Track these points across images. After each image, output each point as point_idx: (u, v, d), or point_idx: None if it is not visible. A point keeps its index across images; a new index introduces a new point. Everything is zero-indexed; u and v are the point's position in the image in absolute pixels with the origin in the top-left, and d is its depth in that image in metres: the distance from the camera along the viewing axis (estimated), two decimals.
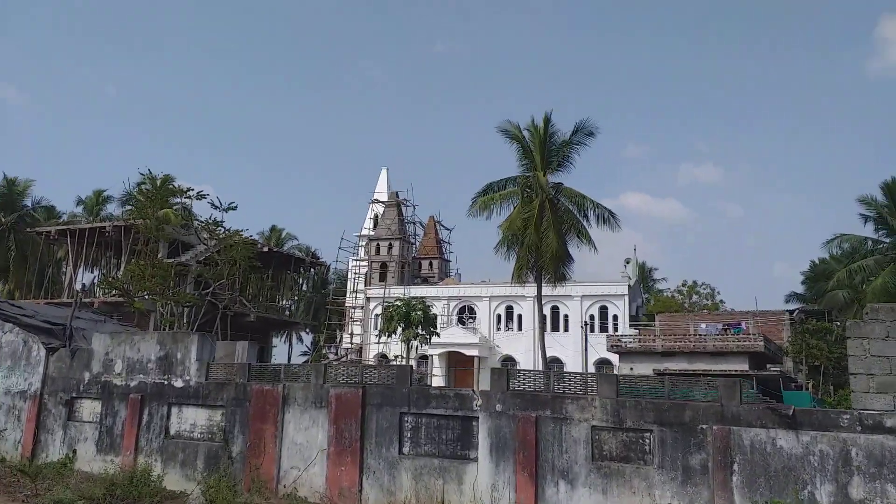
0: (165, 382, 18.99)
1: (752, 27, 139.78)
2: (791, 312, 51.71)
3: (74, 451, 19.67)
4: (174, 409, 18.74)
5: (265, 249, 38.50)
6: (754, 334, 42.64)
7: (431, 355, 53.31)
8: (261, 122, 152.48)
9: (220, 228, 24.54)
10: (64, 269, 44.69)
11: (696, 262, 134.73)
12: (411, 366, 17.08)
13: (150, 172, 24.24)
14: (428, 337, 43.00)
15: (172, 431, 18.58)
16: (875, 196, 45.53)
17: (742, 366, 40.25)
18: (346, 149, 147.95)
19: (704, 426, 12.98)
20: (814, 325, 44.57)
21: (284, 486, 16.52)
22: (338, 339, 67.85)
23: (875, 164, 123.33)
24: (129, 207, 44.73)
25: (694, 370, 37.44)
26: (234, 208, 24.75)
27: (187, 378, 18.75)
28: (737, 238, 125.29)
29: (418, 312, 42.07)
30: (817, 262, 60.21)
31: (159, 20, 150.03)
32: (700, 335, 44.02)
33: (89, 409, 20.20)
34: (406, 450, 15.56)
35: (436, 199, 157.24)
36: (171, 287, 24.35)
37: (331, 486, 15.95)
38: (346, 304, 65.37)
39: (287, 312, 48.82)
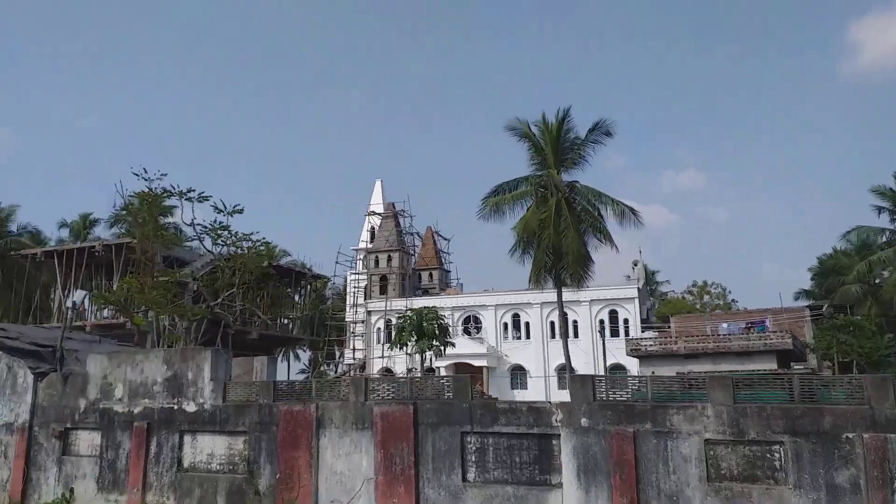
0: (175, 407, 16.50)
1: (726, 33, 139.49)
2: (811, 308, 49.91)
3: (72, 490, 17.19)
4: (187, 438, 16.27)
5: (265, 263, 36.00)
6: (781, 332, 40.80)
7: (439, 367, 51.10)
8: (249, 141, 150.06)
9: (225, 233, 22.21)
10: (52, 295, 42.02)
11: (686, 265, 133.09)
12: (470, 376, 14.70)
13: (146, 172, 21.75)
14: (442, 347, 40.63)
15: (186, 463, 16.09)
16: (889, 186, 44.16)
17: (770, 365, 38.37)
18: (336, 164, 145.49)
19: (851, 434, 10.71)
20: (842, 320, 42.74)
21: None
22: (337, 355, 65.35)
23: (853, 164, 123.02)
24: (121, 225, 42.10)
25: (720, 371, 35.68)
26: (241, 212, 22.32)
27: (201, 401, 16.28)
28: (724, 240, 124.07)
29: (431, 322, 39.68)
30: (825, 257, 58.73)
31: (145, 45, 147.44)
32: (722, 335, 42.20)
33: (87, 440, 17.68)
34: (471, 476, 13.17)
35: (431, 211, 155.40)
36: (173, 301, 21.93)
37: None
38: (347, 319, 63.00)
39: (290, 328, 46.21)
